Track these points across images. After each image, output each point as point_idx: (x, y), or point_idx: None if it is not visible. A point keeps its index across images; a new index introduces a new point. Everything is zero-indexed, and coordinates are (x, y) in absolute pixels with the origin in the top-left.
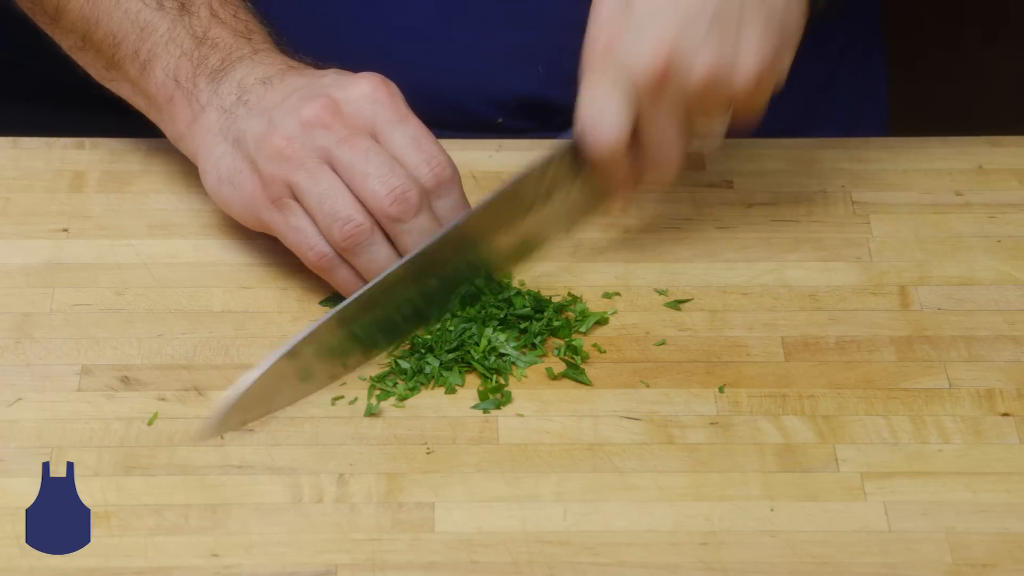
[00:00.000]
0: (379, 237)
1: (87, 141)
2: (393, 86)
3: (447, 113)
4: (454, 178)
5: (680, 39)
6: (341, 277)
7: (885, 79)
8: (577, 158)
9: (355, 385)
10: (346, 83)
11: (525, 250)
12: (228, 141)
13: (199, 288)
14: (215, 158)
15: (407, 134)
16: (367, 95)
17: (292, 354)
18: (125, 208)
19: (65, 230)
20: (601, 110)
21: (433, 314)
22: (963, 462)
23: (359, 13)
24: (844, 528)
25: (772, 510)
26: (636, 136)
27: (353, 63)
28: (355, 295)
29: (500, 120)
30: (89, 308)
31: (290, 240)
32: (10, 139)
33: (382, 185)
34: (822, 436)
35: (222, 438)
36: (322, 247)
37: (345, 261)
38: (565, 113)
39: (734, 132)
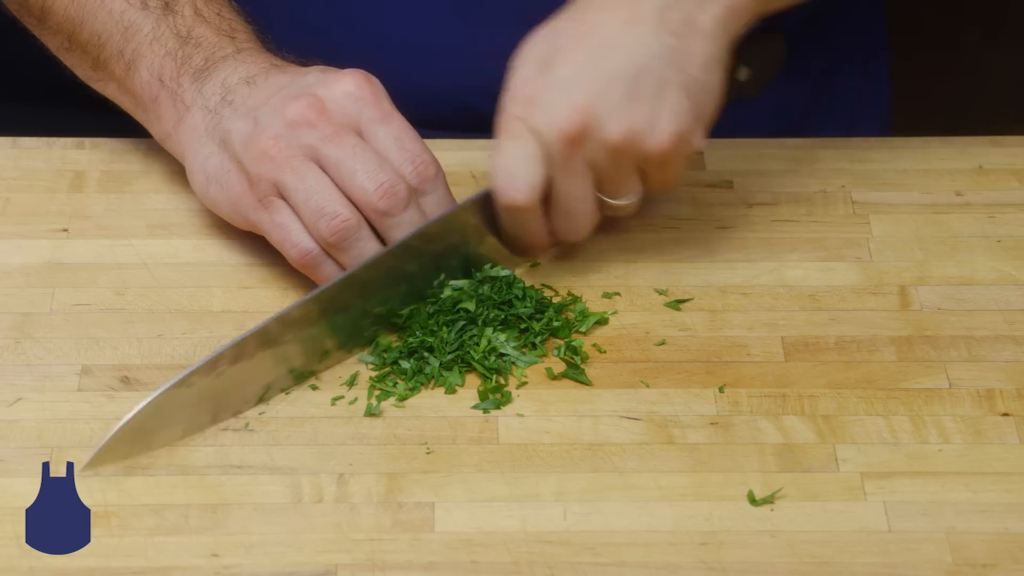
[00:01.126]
0: (367, 232)
1: (87, 141)
2: (376, 82)
3: (451, 113)
4: (438, 175)
5: (596, 103)
6: (325, 274)
7: (888, 78)
8: (488, 210)
9: (355, 385)
10: (330, 81)
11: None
12: (215, 142)
13: (199, 288)
14: (202, 158)
15: (391, 134)
16: (351, 92)
17: (183, 384)
18: (125, 208)
19: (65, 230)
20: (515, 165)
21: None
22: (963, 462)
23: (362, 13)
24: (844, 528)
25: (772, 510)
26: (549, 193)
27: (355, 64)
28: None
29: None
30: (89, 308)
31: (275, 237)
32: (10, 139)
33: (371, 180)
34: (822, 436)
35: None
36: (306, 244)
37: (330, 258)
38: None
39: (651, 193)
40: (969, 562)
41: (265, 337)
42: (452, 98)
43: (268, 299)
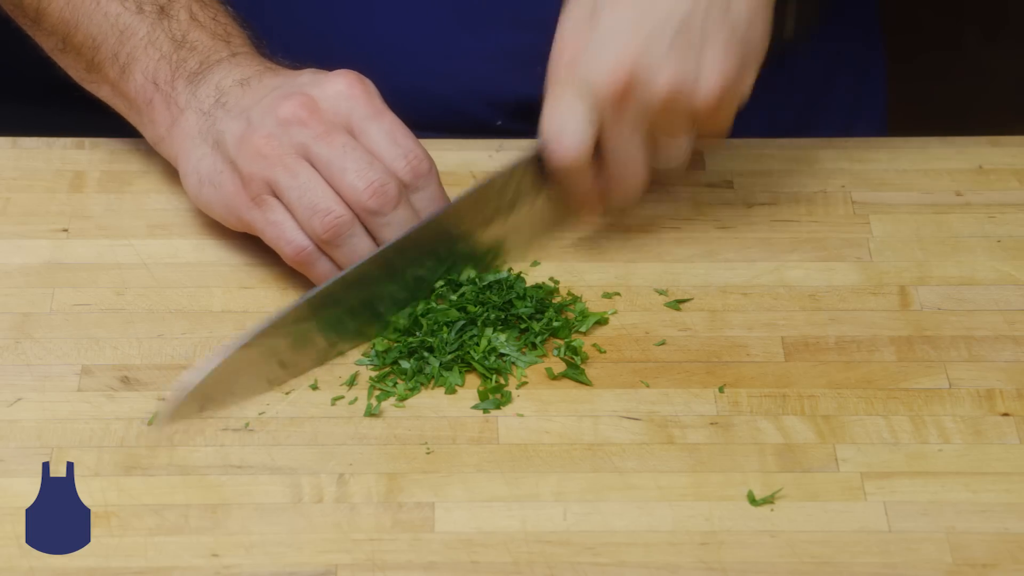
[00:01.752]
0: (359, 229)
1: (87, 141)
2: (368, 83)
3: (446, 116)
4: (431, 171)
5: (642, 55)
6: (320, 271)
7: (884, 77)
8: (542, 170)
9: (355, 385)
10: (322, 81)
11: (489, 257)
12: (208, 143)
13: (199, 288)
14: (195, 160)
15: (383, 129)
16: (342, 92)
17: (250, 345)
18: (125, 208)
19: (65, 230)
20: (564, 123)
21: (391, 308)
22: (963, 462)
23: (358, 17)
24: (844, 528)
25: (772, 510)
26: (600, 151)
27: (351, 66)
28: (326, 283)
29: (499, 122)
30: (89, 308)
31: (269, 235)
32: (10, 139)
33: (360, 179)
34: (822, 436)
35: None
36: (300, 241)
37: (325, 255)
38: None
39: (702, 145)
40: (969, 562)
41: (327, 299)
42: (447, 101)
43: (268, 299)
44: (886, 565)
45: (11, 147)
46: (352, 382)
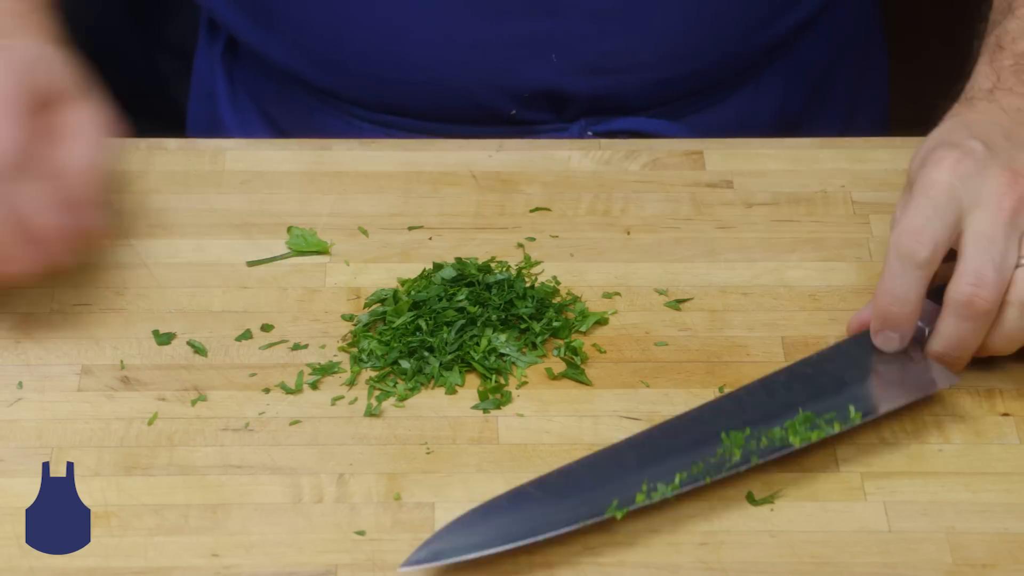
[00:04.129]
0: None
1: None
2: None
3: (459, 105)
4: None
5: None
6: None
7: (885, 73)
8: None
9: (355, 385)
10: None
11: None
12: None
13: (199, 288)
14: None
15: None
16: None
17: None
18: (125, 208)
19: None
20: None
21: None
22: (963, 462)
23: (370, 6)
24: (844, 528)
25: (772, 510)
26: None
27: (365, 55)
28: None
29: (513, 111)
30: (89, 308)
31: None
32: None
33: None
34: None
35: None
36: None
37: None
38: (578, 103)
39: None
40: (969, 562)
41: None
42: (461, 90)
43: (268, 299)
44: (886, 565)
45: None
46: (352, 382)
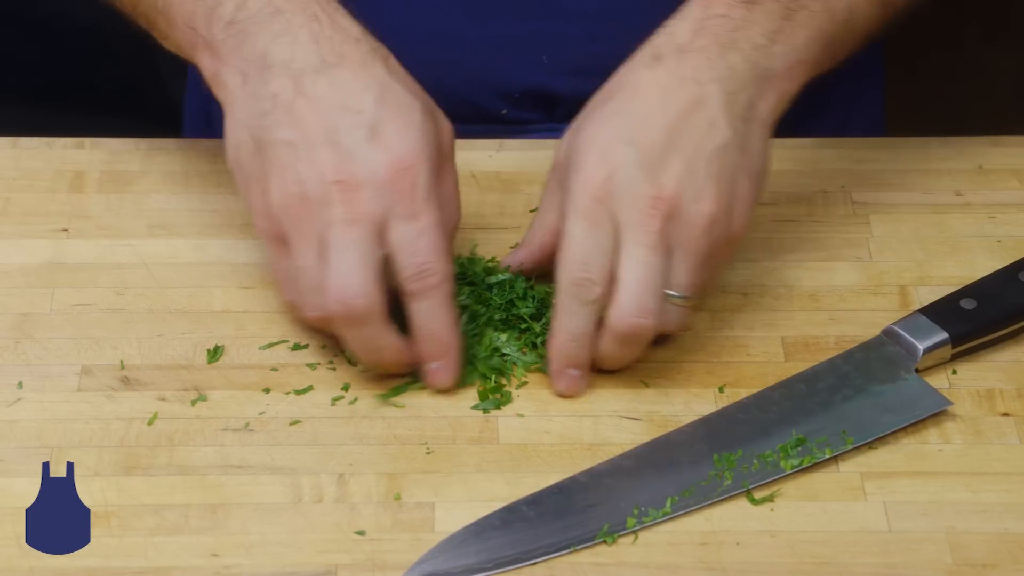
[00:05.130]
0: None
1: (87, 141)
2: (422, 167)
3: (451, 104)
4: (439, 286)
5: (680, 188)
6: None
7: (881, 75)
8: None
9: (355, 385)
10: (375, 158)
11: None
12: (249, 132)
13: (199, 288)
14: (234, 138)
15: (411, 232)
16: (388, 182)
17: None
18: (125, 208)
19: (65, 230)
20: (589, 255)
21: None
22: (963, 462)
23: (362, 6)
24: (844, 528)
25: (772, 510)
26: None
27: None
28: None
29: (504, 111)
30: (89, 308)
31: (273, 270)
32: (10, 139)
33: (336, 285)
34: None
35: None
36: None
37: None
38: (568, 103)
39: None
40: (969, 562)
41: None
42: (452, 91)
43: (268, 299)
44: (886, 565)
45: (11, 147)
46: (347, 388)
